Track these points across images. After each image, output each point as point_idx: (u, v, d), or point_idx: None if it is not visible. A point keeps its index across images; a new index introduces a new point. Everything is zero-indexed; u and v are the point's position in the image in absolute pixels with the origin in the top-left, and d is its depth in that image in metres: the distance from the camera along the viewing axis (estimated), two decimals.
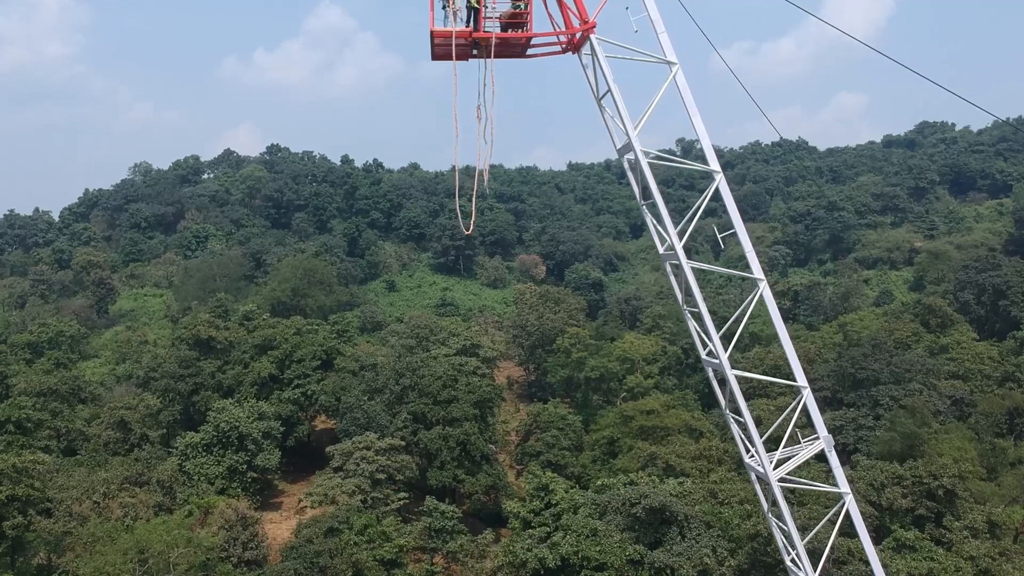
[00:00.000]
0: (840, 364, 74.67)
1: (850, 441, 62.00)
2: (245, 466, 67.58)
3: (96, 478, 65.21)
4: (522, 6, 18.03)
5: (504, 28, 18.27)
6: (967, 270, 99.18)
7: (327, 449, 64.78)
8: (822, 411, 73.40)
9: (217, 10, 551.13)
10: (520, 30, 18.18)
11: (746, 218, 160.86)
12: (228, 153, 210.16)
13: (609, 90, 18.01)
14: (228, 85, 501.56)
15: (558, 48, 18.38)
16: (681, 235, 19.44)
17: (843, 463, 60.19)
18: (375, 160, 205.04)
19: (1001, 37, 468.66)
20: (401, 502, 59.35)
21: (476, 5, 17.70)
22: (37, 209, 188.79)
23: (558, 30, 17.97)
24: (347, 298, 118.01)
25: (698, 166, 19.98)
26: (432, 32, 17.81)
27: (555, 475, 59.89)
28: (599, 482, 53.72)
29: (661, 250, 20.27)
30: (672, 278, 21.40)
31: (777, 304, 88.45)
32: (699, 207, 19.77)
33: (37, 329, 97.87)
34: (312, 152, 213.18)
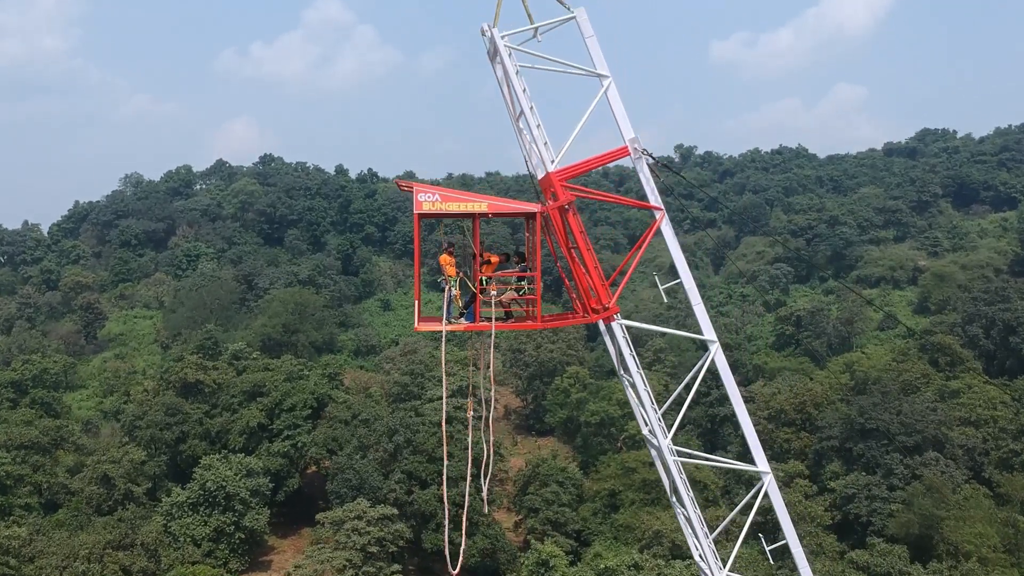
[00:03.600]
0: (848, 412, 72.32)
1: (863, 513, 59.58)
2: (232, 527, 65.20)
3: (77, 542, 62.86)
4: (526, 288, 15.49)
5: (507, 316, 15.76)
6: (976, 302, 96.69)
7: (317, 517, 62.27)
8: (830, 460, 70.19)
9: (215, 2, 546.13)
10: (527, 312, 15.67)
11: (746, 230, 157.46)
12: (220, 164, 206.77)
13: (633, 374, 15.39)
14: (226, 78, 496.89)
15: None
16: (671, 424, 16.37)
17: (857, 544, 58.09)
18: (370, 170, 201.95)
19: (1006, 37, 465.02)
20: None
21: (472, 288, 15.22)
22: (26, 222, 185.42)
23: (574, 317, 15.43)
24: (339, 330, 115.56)
25: (693, 335, 17.15)
26: (416, 330, 15.37)
27: (555, 544, 57.73)
28: (602, 564, 51.25)
29: (644, 432, 17.12)
30: (658, 465, 17.48)
31: (780, 329, 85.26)
32: (693, 380, 16.79)
33: (20, 366, 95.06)
34: (306, 163, 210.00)
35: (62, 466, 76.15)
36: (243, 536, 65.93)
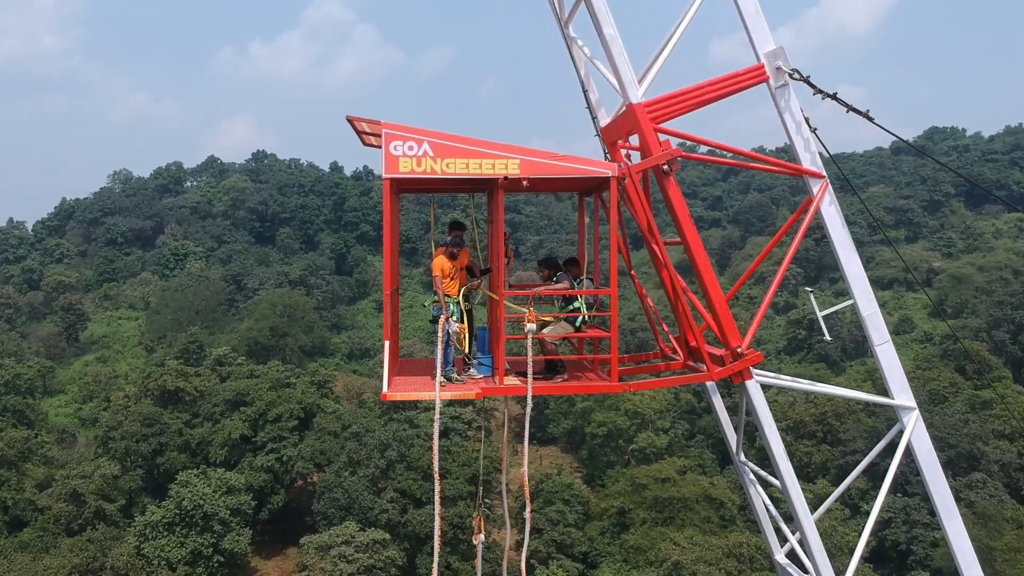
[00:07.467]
0: (875, 425, 67.49)
1: (902, 540, 54.58)
2: (211, 549, 60.06)
3: (41, 567, 57.89)
4: (585, 316, 9.64)
5: (552, 369, 10.01)
6: (1001, 306, 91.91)
7: (301, 540, 57.14)
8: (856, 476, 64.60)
9: (214, 1, 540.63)
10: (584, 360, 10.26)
11: (752, 231, 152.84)
12: (212, 160, 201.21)
13: (781, 469, 9.73)
14: (224, 77, 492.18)
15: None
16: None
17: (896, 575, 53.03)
18: (365, 167, 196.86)
19: (1007, 36, 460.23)
20: None
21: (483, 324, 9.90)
22: (11, 219, 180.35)
23: (674, 370, 9.79)
24: (332, 333, 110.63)
25: (879, 398, 11.91)
26: (385, 398, 9.84)
27: (560, 569, 53.03)
28: None
29: (778, 559, 11.28)
30: None
31: (792, 333, 78.24)
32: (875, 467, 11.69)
33: None
34: (299, 160, 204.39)
35: (31, 480, 71.00)
36: (222, 559, 60.86)
